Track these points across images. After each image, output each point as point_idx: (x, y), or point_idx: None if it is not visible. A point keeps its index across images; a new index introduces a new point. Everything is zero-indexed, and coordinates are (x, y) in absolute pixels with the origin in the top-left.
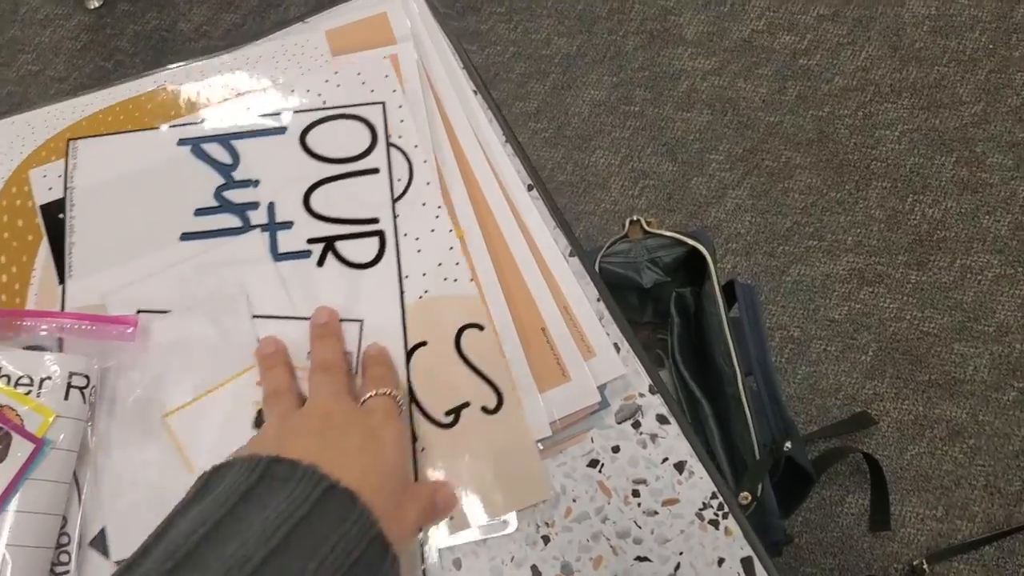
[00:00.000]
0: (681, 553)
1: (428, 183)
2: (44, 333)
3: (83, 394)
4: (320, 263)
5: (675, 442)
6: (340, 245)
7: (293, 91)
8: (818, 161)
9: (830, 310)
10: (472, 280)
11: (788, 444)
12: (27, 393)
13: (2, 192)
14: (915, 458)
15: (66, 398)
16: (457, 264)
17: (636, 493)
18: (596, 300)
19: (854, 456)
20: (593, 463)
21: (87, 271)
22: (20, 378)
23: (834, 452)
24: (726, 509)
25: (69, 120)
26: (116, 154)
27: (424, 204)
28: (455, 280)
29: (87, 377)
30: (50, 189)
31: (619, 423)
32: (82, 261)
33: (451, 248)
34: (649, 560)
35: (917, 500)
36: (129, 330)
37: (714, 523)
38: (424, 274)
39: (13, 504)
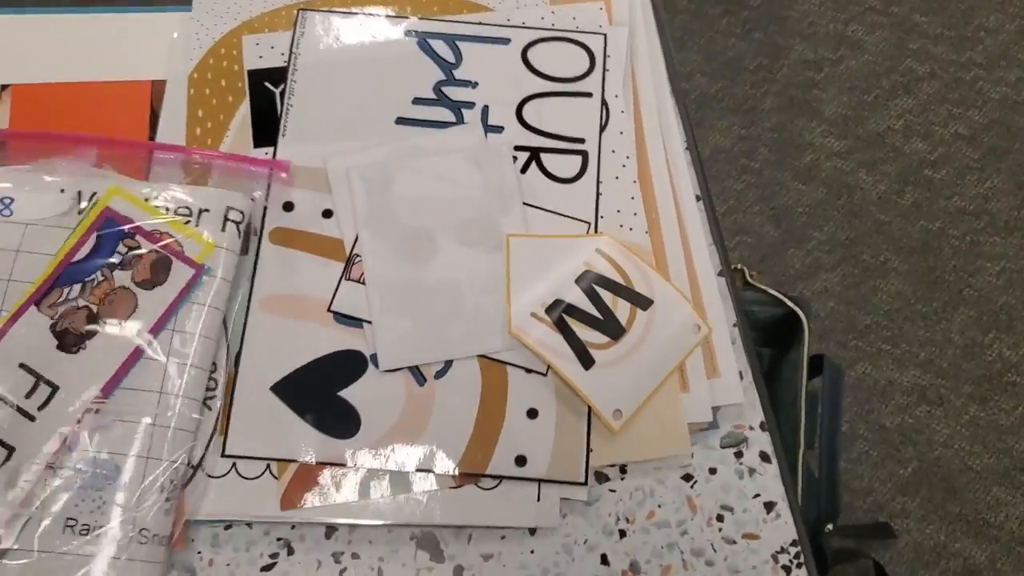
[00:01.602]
0: None
1: (622, 132)
2: (198, 167)
3: (238, 228)
4: (523, 171)
5: (771, 482)
6: (544, 157)
7: (509, 20)
8: (915, 271)
9: (883, 416)
10: (647, 232)
11: (830, 526)
12: (186, 223)
13: (211, 51)
14: None
15: (223, 230)
16: (635, 215)
17: (720, 518)
18: (732, 325)
19: (866, 561)
20: (687, 477)
21: (300, 137)
22: (179, 208)
23: (848, 552)
24: (802, 559)
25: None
26: (342, 32)
27: (614, 151)
28: (630, 229)
29: (242, 212)
30: (260, 57)
31: (722, 448)
32: (296, 126)
33: (632, 198)
34: None
35: None
36: (283, 175)
37: (787, 569)
38: (602, 216)
39: (172, 323)
